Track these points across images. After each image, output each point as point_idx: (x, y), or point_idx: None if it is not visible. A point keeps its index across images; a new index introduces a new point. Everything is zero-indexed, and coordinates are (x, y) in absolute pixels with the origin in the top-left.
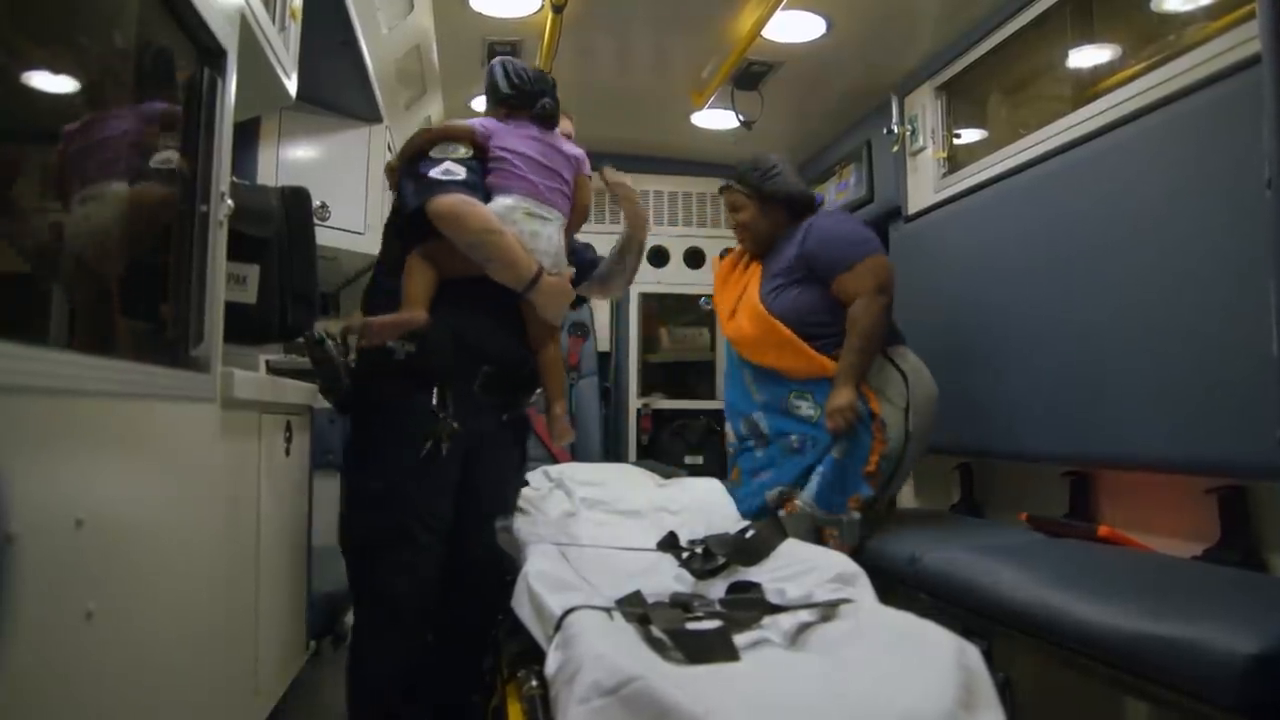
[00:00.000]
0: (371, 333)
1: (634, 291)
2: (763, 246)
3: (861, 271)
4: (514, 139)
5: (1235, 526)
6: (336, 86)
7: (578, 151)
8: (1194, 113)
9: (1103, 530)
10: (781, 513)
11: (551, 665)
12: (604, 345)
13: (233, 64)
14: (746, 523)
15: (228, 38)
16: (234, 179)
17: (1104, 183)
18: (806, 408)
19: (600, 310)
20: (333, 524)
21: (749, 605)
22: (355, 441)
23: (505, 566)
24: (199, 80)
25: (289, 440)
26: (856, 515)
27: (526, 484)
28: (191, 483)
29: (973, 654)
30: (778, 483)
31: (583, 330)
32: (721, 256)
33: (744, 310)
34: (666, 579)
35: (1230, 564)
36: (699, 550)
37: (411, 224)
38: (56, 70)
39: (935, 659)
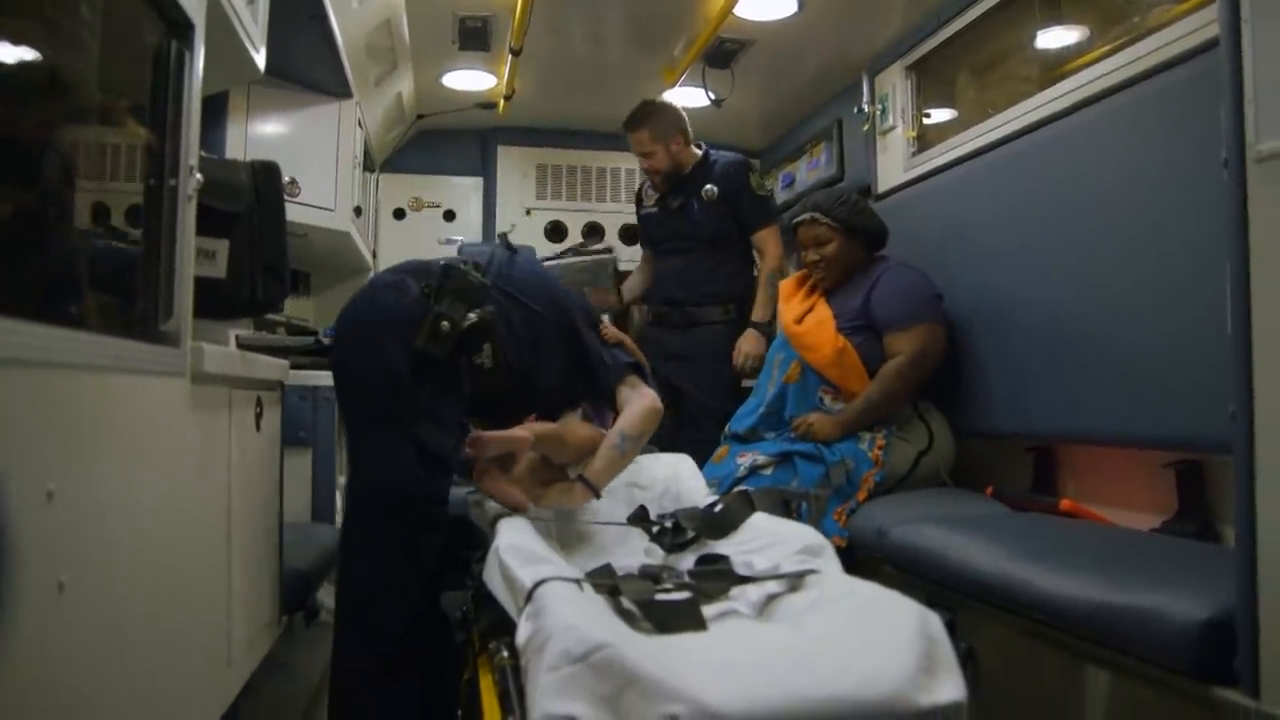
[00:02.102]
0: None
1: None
2: (840, 280)
3: (912, 335)
4: None
5: (1192, 500)
6: (306, 61)
7: None
8: (1159, 94)
9: (1065, 504)
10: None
11: (522, 635)
12: None
13: (200, 37)
14: (715, 497)
15: (194, 10)
16: (203, 153)
17: (1070, 162)
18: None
19: None
20: (303, 500)
21: (717, 577)
22: (418, 396)
23: (475, 540)
24: (166, 53)
25: (260, 416)
26: (824, 492)
27: None
28: (162, 456)
29: (934, 622)
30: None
31: None
32: None
33: (815, 324)
34: (637, 552)
35: (1187, 536)
36: (669, 524)
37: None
38: (17, 41)
39: (898, 627)
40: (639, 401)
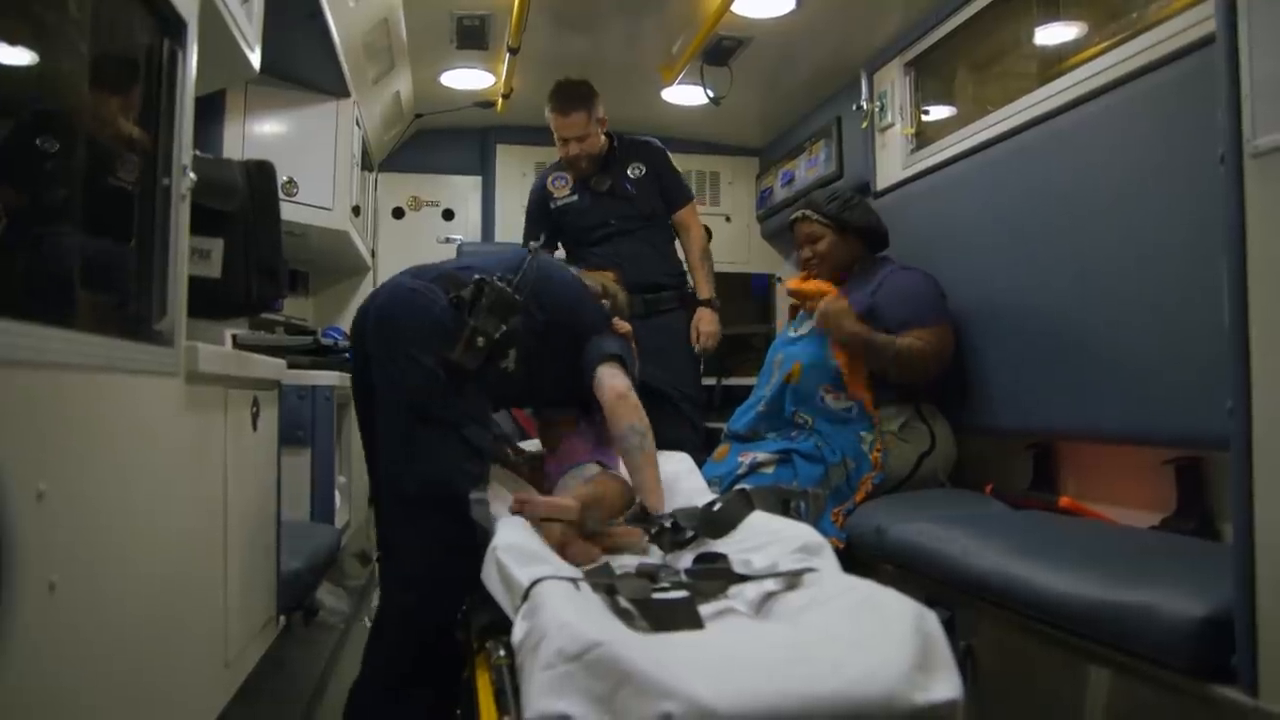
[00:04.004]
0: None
1: None
2: (835, 277)
3: (928, 335)
4: None
5: (1191, 497)
6: (303, 60)
7: None
8: (1156, 89)
9: (1064, 501)
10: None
11: (518, 634)
12: None
13: (193, 36)
14: (714, 495)
15: (187, 8)
16: (197, 152)
17: (1067, 158)
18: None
19: None
20: (302, 499)
21: (715, 575)
22: (459, 400)
23: (478, 540)
24: (158, 52)
25: (256, 415)
26: (824, 491)
27: None
28: (155, 456)
29: (930, 619)
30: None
31: None
32: None
33: (815, 290)
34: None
35: (1186, 533)
36: (667, 523)
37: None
38: (11, 41)
39: (894, 624)
40: (609, 398)
